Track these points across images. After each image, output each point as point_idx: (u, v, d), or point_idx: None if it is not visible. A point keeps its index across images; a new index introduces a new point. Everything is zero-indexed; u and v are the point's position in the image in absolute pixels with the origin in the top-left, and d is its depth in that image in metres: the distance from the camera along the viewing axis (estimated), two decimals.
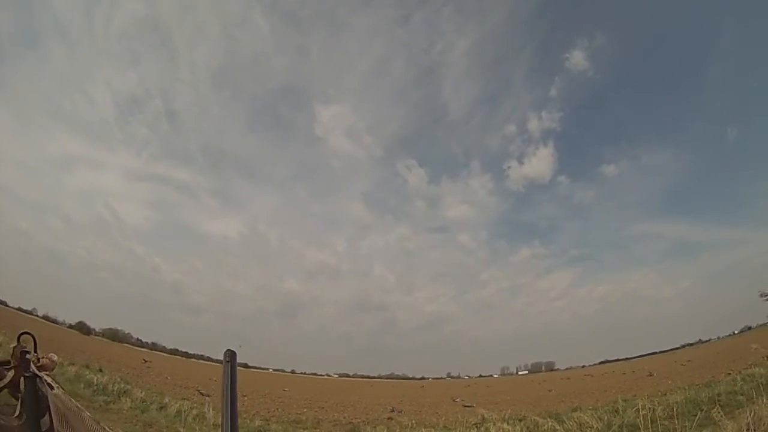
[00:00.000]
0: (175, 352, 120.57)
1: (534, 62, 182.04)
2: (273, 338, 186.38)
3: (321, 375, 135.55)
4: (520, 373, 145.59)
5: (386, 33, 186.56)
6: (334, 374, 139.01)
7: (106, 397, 21.30)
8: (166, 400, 23.48)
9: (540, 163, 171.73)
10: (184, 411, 21.25)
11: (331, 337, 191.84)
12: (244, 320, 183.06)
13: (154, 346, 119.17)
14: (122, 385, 24.52)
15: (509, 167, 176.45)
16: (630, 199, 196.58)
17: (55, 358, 2.81)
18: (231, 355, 2.73)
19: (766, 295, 13.05)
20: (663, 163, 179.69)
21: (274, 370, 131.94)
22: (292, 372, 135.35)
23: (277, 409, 33.27)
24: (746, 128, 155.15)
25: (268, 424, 22.01)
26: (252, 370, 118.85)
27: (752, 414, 8.90)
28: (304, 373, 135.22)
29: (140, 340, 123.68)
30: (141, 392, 23.80)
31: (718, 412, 10.34)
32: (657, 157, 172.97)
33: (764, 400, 9.25)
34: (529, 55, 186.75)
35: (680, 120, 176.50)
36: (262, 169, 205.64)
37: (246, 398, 39.21)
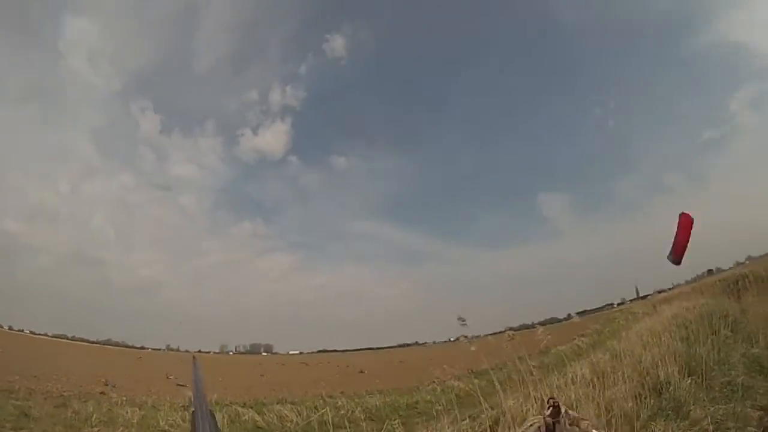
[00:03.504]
0: None
1: (295, 32, 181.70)
2: None
3: (38, 334, 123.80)
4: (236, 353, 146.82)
5: None
6: (51, 334, 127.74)
7: None
8: None
9: (274, 138, 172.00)
10: None
11: (45, 290, 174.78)
12: None
13: None
14: None
15: (242, 135, 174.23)
16: (355, 195, 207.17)
17: None
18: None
19: (463, 320, 13.95)
20: (394, 170, 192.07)
21: None
22: (10, 328, 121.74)
23: None
24: (479, 160, 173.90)
25: None
26: None
27: (435, 430, 8.84)
28: (22, 331, 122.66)
29: None
30: None
31: (400, 424, 10.34)
32: (389, 162, 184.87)
33: (451, 416, 9.19)
34: (292, 23, 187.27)
35: (420, 136, 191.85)
36: None
37: None
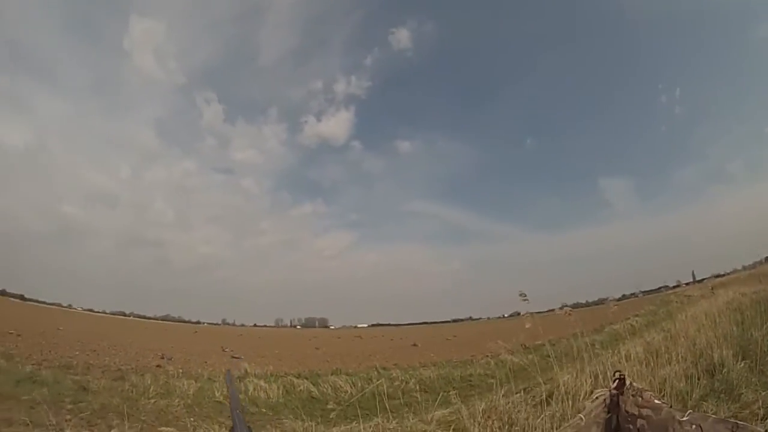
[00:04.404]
0: None
1: (359, 28, 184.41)
2: (46, 266, 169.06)
3: (97, 312, 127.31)
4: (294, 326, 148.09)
5: None
6: (110, 312, 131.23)
7: None
8: None
9: (338, 124, 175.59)
10: None
11: (104, 269, 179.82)
12: (17, 242, 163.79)
13: None
14: None
15: (306, 122, 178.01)
16: (416, 177, 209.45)
17: None
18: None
19: (524, 296, 14.13)
20: (455, 153, 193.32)
21: (50, 303, 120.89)
22: (69, 307, 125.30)
23: (50, 351, 30.46)
24: (541, 144, 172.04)
25: (40, 369, 20.24)
26: (29, 303, 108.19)
27: (489, 401, 9.10)
28: (81, 309, 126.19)
29: None
30: None
31: (458, 394, 10.66)
32: (450, 146, 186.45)
33: (506, 389, 9.49)
34: (355, 20, 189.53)
35: (483, 121, 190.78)
36: (59, 74, 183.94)
37: (20, 338, 35.48)
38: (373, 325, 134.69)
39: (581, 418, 3.41)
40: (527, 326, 10.69)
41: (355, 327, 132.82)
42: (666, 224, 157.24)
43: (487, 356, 27.99)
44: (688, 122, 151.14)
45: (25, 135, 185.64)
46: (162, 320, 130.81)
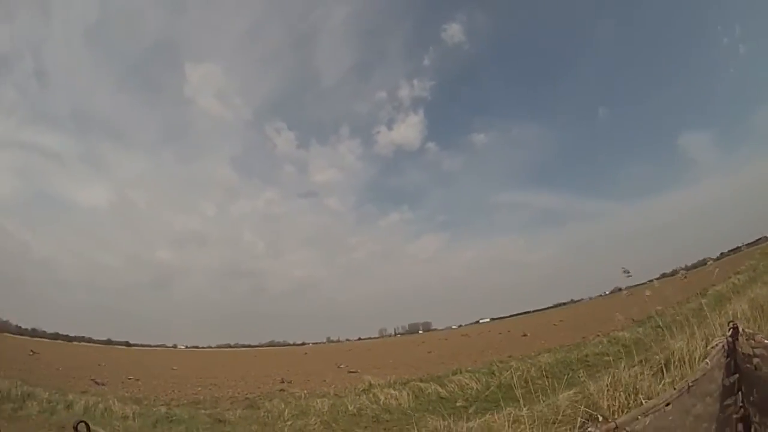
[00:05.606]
0: (56, 336, 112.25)
1: (411, 32, 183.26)
2: (147, 312, 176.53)
3: (203, 347, 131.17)
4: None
5: None
6: (216, 346, 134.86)
7: (12, 404, 20.48)
8: (71, 397, 22.67)
9: (409, 129, 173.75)
10: (91, 406, 20.83)
11: (203, 306, 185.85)
12: (117, 294, 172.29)
13: (34, 332, 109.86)
14: (24, 388, 23.19)
15: (378, 133, 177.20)
16: (497, 168, 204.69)
17: None
18: None
19: (627, 272, 14.17)
20: (531, 137, 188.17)
21: (155, 346, 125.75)
22: (174, 347, 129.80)
23: (173, 390, 31.93)
24: (613, 112, 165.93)
25: (171, 409, 21.66)
26: (135, 348, 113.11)
27: (612, 375, 9.45)
28: (187, 347, 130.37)
29: (19, 327, 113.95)
30: (45, 393, 22.97)
31: (584, 374, 11.07)
32: (526, 130, 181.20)
33: (624, 362, 9.91)
34: (406, 25, 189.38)
35: (550, 99, 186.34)
36: (130, 132, 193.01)
37: (140, 382, 37.41)
38: (477, 322, 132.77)
39: (707, 362, 3.99)
40: (647, 293, 11.02)
41: (460, 326, 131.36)
42: (754, 170, 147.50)
43: (598, 335, 27.85)
44: (756, 59, 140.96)
45: (108, 193, 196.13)
46: (268, 346, 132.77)
